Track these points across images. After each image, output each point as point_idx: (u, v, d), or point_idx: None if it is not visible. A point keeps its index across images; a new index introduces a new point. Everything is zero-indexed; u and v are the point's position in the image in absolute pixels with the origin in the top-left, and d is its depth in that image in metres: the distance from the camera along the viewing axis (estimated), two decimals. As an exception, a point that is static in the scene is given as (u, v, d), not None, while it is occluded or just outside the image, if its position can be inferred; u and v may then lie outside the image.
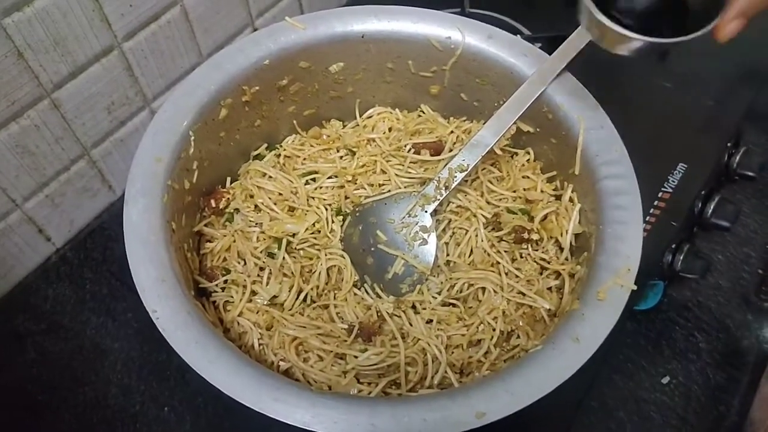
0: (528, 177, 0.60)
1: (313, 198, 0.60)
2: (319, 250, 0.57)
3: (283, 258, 0.56)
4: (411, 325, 0.53)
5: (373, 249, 0.58)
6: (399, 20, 0.59)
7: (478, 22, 0.60)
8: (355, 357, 0.50)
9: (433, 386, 0.49)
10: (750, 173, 0.68)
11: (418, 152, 0.61)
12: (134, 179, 0.50)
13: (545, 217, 0.57)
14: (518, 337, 0.52)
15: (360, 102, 0.66)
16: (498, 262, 0.56)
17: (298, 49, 0.58)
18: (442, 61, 0.61)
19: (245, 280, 0.54)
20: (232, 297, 0.54)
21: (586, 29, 0.51)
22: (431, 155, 0.61)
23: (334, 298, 0.55)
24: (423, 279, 0.56)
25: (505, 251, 0.57)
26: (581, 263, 0.52)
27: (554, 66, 0.55)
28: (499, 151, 0.61)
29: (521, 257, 0.56)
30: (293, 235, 0.57)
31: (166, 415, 0.56)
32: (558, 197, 0.59)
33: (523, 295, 0.54)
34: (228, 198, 0.59)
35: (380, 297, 0.55)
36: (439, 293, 0.55)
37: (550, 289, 0.55)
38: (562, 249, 0.56)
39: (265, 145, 0.64)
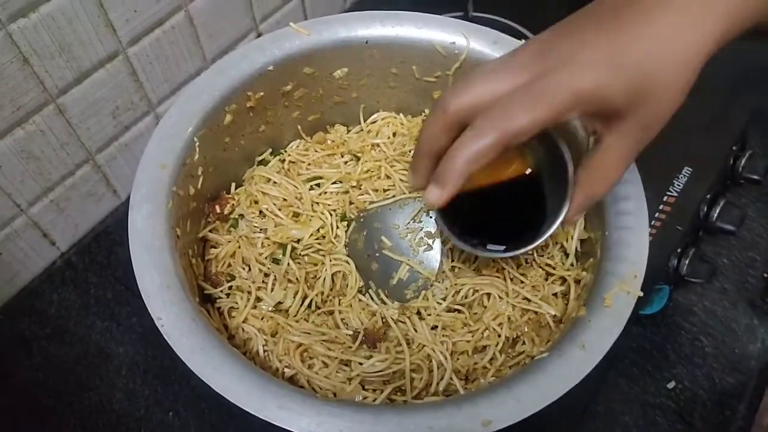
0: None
1: (317, 203, 0.60)
2: (323, 255, 0.57)
3: (288, 264, 0.56)
4: (416, 331, 0.53)
5: (377, 254, 0.58)
6: (403, 26, 0.59)
7: (483, 27, 0.59)
8: (360, 364, 0.50)
9: (439, 393, 0.49)
10: (755, 177, 0.67)
11: (422, 157, 0.61)
12: (139, 185, 0.50)
13: (550, 222, 0.57)
14: (524, 343, 0.52)
15: (364, 107, 0.66)
16: (503, 268, 0.55)
17: (302, 54, 0.58)
18: (446, 67, 0.61)
19: (250, 286, 0.54)
20: (236, 303, 0.54)
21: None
22: (436, 160, 0.61)
23: (339, 303, 0.55)
24: (428, 285, 0.56)
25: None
26: (587, 269, 0.52)
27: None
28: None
29: (526, 263, 0.56)
30: (298, 241, 0.57)
31: (170, 420, 0.56)
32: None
33: (529, 301, 0.54)
34: (233, 204, 0.59)
35: (385, 303, 0.55)
36: (444, 299, 0.55)
37: (555, 295, 0.54)
38: (567, 255, 0.55)
39: (270, 150, 0.64)
